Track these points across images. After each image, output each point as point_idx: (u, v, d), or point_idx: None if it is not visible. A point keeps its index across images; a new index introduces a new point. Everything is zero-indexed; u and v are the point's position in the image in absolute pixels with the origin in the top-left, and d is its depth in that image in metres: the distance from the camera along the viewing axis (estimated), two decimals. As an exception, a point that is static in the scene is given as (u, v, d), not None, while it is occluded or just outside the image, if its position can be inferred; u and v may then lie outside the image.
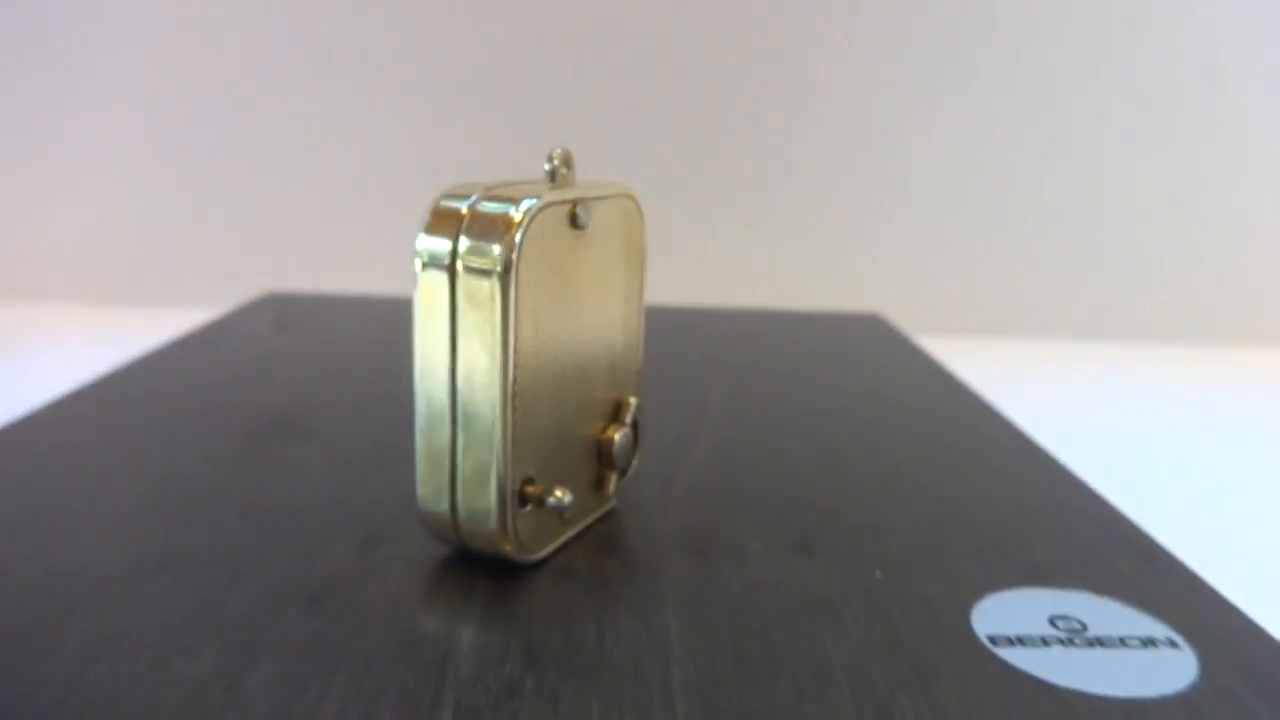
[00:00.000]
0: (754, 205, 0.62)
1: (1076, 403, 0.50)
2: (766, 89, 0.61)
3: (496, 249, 0.15)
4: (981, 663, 0.15)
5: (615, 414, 0.19)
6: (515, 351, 0.16)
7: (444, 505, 0.17)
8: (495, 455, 0.16)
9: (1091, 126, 0.62)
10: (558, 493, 0.16)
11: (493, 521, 0.16)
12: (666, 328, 0.36)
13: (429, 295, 0.16)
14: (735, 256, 0.62)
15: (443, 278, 0.16)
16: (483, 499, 0.16)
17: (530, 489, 0.16)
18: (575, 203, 0.17)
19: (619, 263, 0.18)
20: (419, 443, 0.17)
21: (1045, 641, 0.15)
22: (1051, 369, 0.56)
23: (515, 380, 0.16)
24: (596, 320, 0.18)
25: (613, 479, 0.19)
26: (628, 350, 0.19)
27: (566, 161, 0.17)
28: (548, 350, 0.17)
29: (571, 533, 0.18)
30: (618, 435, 0.19)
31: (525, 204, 0.15)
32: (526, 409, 0.16)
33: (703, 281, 0.62)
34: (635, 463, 0.20)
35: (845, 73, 0.61)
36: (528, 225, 0.15)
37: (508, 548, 0.17)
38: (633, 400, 0.19)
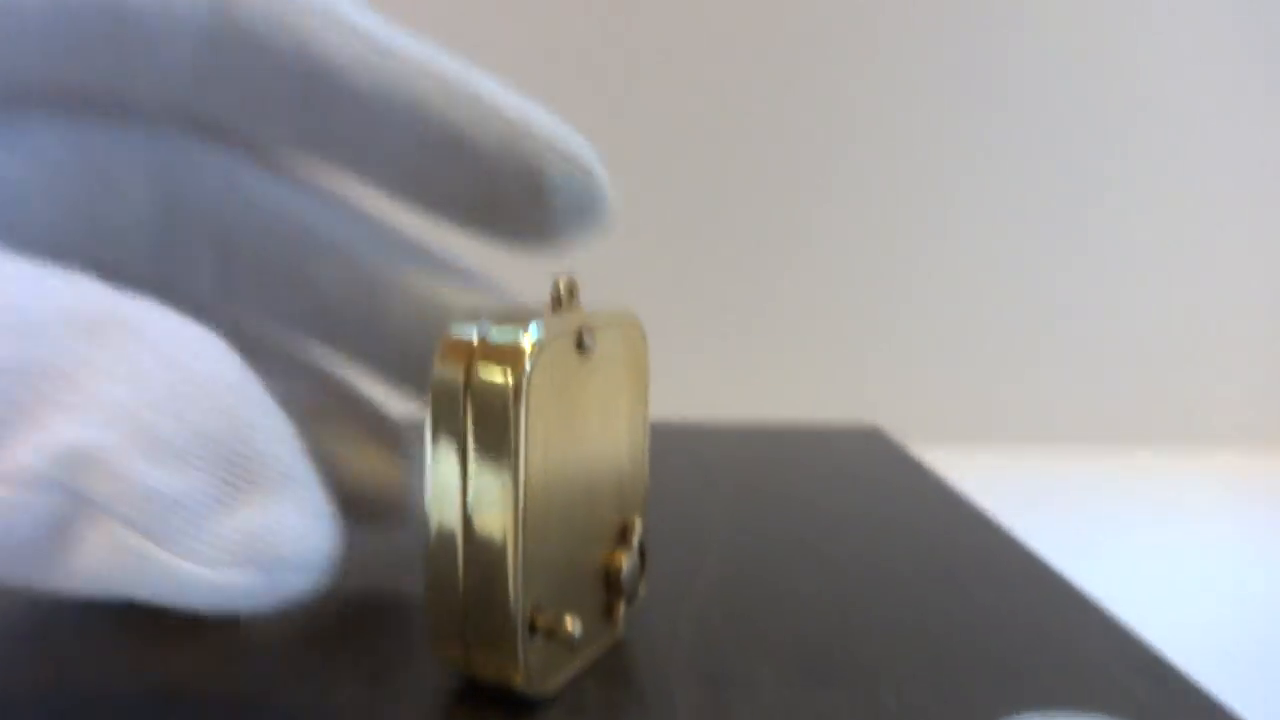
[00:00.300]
0: (744, 315, 0.63)
1: (1081, 513, 0.50)
2: (756, 197, 0.62)
3: (509, 374, 0.16)
4: (1002, 795, 0.14)
5: (622, 536, 0.19)
6: (526, 476, 0.16)
7: (453, 634, 0.16)
8: (507, 581, 0.16)
9: (1097, 231, 0.63)
10: (567, 622, 0.16)
11: (503, 651, 0.16)
12: (663, 444, 0.36)
13: (441, 420, 0.16)
14: (725, 368, 0.63)
15: (455, 405, 0.16)
16: (492, 627, 0.16)
17: (540, 618, 0.16)
18: (581, 329, 0.17)
19: (623, 385, 0.19)
20: (428, 570, 0.16)
21: (1064, 770, 0.15)
22: (1052, 478, 0.57)
23: (526, 505, 0.16)
24: (603, 443, 0.18)
25: (621, 607, 0.19)
26: (634, 470, 0.19)
27: (571, 290, 0.17)
28: (556, 473, 0.16)
29: (581, 664, 0.18)
30: (625, 561, 0.18)
31: (534, 331, 0.16)
32: (537, 534, 0.16)
33: (694, 393, 0.62)
34: (642, 590, 0.19)
35: (836, 182, 0.62)
36: (538, 352, 0.16)
37: (518, 679, 0.16)
38: (638, 522, 0.19)
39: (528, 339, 0.16)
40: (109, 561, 0.10)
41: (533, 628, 0.16)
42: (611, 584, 0.18)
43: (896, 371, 0.63)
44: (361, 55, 0.16)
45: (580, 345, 0.17)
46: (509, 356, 0.16)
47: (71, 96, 0.16)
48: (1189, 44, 0.62)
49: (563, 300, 0.17)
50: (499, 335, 0.16)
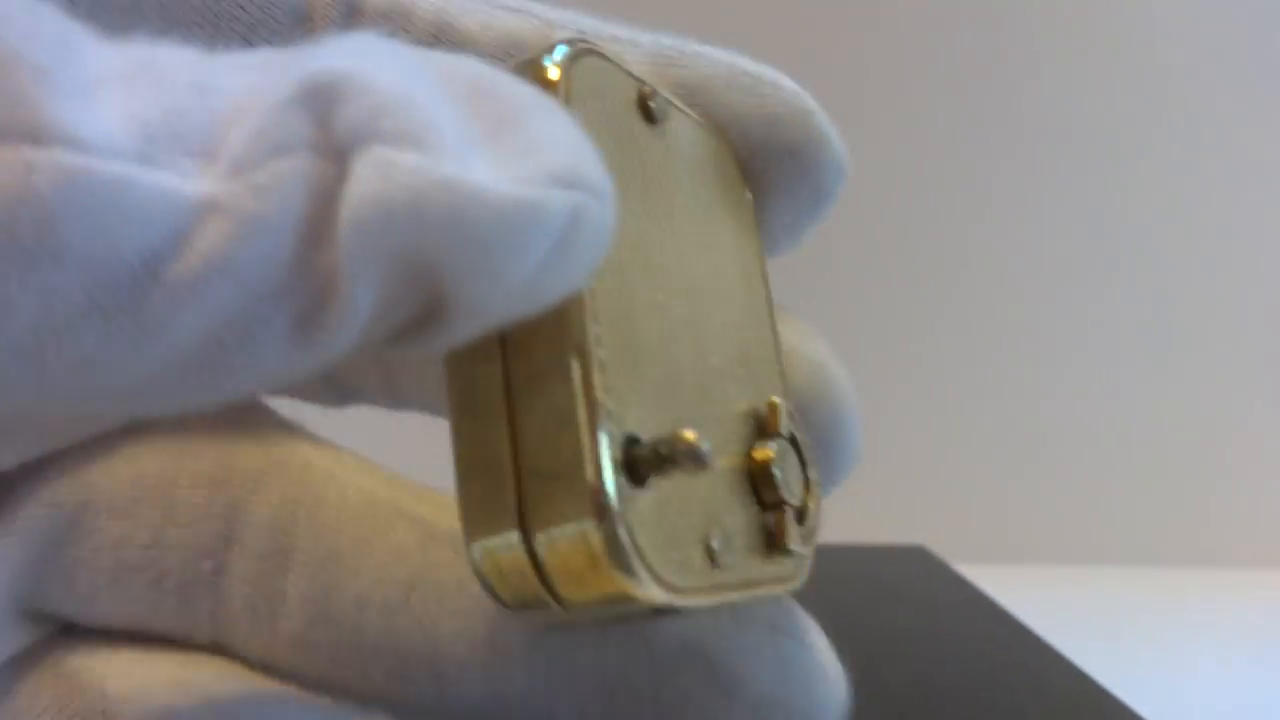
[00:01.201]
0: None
1: (1131, 632, 0.50)
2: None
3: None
4: None
5: (760, 427, 0.12)
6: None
7: (508, 526, 0.10)
8: (575, 385, 0.10)
9: (1147, 352, 0.63)
10: (687, 434, 0.10)
11: (588, 515, 0.09)
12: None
13: None
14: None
15: None
16: (565, 474, 0.10)
17: (639, 452, 0.10)
18: (643, 83, 0.12)
19: (722, 207, 0.13)
20: (456, 439, 0.11)
21: None
22: (1101, 597, 0.56)
23: (594, 273, 0.09)
24: (707, 282, 0.12)
25: (789, 526, 0.12)
26: (758, 338, 0.13)
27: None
28: (641, 267, 0.11)
29: (735, 596, 0.11)
30: (774, 454, 0.12)
31: (559, 53, 0.11)
32: (618, 323, 0.10)
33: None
34: (814, 510, 0.13)
35: (872, 305, 0.63)
36: (574, 78, 0.11)
37: (623, 579, 0.10)
38: (781, 405, 0.13)
39: (554, 61, 0.11)
40: (383, 196, 0.08)
41: (635, 468, 0.10)
42: (764, 487, 0.12)
43: (941, 492, 0.64)
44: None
45: (645, 111, 0.12)
46: (530, 71, 0.11)
47: None
48: None
49: None
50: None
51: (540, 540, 0.10)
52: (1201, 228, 0.63)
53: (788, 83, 0.13)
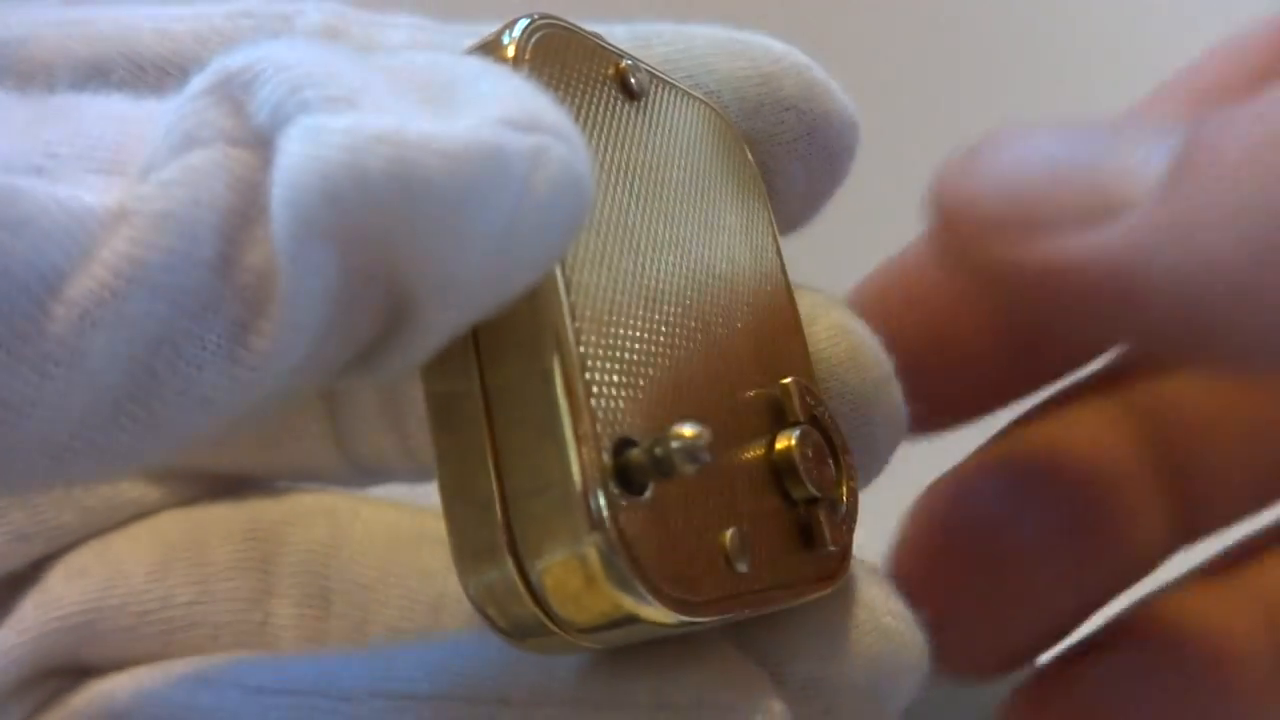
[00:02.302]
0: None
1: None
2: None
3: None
4: None
5: (778, 414, 0.11)
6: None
7: (499, 555, 0.09)
8: (555, 389, 0.09)
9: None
10: (683, 431, 0.09)
11: (579, 532, 0.08)
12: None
13: None
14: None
15: None
16: (551, 490, 0.09)
17: (634, 457, 0.09)
18: (620, 57, 0.11)
19: (724, 182, 0.12)
20: (438, 465, 0.10)
21: None
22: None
23: (572, 265, 0.09)
24: (714, 262, 0.11)
25: (822, 517, 0.11)
26: (775, 319, 0.12)
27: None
28: (628, 253, 0.10)
29: (765, 604, 0.10)
30: (795, 441, 0.11)
31: (519, 29, 0.10)
32: (603, 316, 0.09)
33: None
34: (849, 493, 0.11)
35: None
36: (530, 42, 0.10)
37: (625, 599, 0.08)
38: (793, 385, 0.11)
39: (512, 37, 0.10)
40: (315, 163, 0.07)
41: (626, 474, 0.09)
42: (788, 480, 0.11)
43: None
44: None
45: (624, 86, 0.11)
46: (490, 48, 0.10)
47: None
48: None
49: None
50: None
51: (534, 566, 0.09)
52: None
53: (778, 44, 0.12)
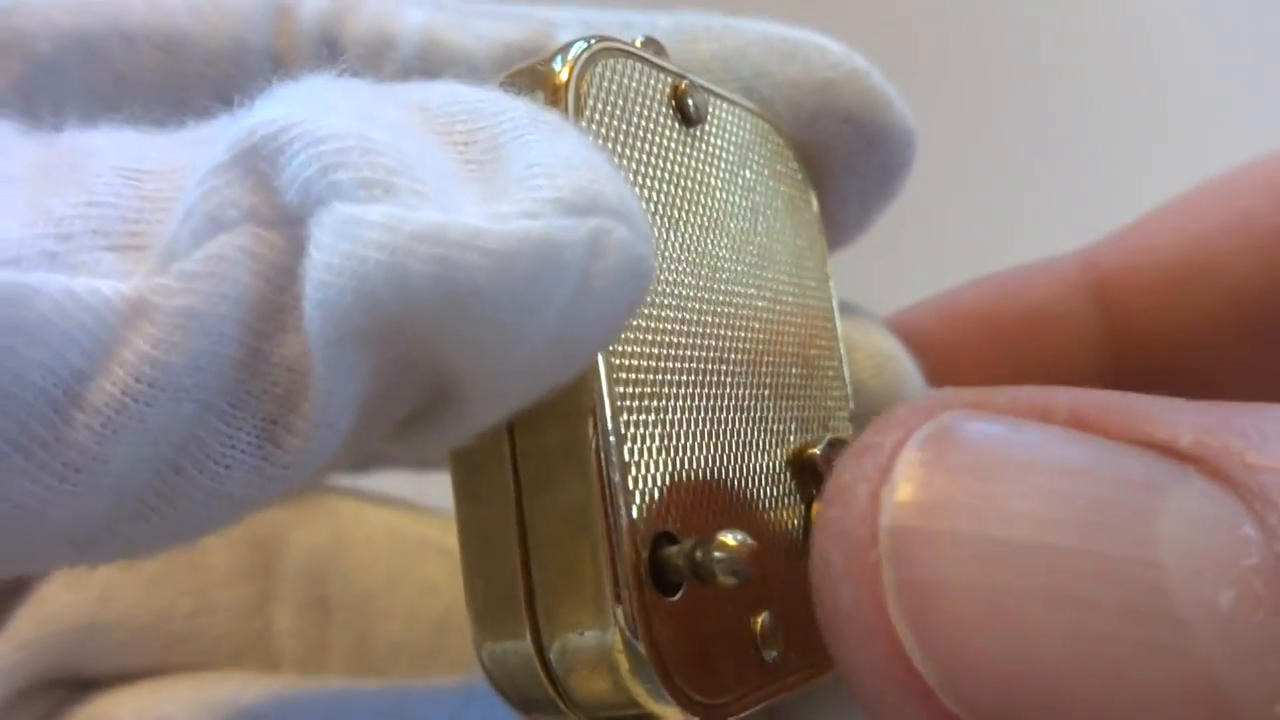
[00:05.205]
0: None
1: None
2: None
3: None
4: None
5: (819, 477, 0.10)
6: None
7: (518, 632, 0.09)
8: (591, 478, 0.08)
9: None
10: (727, 540, 0.08)
11: (608, 632, 0.08)
12: None
13: None
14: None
15: None
16: (581, 584, 0.08)
17: (672, 558, 0.08)
18: (680, 84, 0.10)
19: (773, 200, 0.11)
20: (460, 528, 0.09)
21: None
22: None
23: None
24: (762, 287, 0.11)
25: None
26: (819, 341, 0.11)
27: (656, 51, 0.11)
28: (679, 300, 0.09)
29: (801, 685, 0.10)
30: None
31: (578, 49, 0.09)
32: (649, 379, 0.09)
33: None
34: None
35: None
36: (584, 71, 0.09)
37: (648, 702, 0.08)
38: (817, 453, 0.10)
39: (565, 61, 0.09)
40: (351, 264, 0.06)
41: (662, 573, 0.08)
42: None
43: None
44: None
45: (682, 110, 0.10)
46: (540, 77, 0.09)
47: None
48: None
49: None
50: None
51: (554, 649, 0.08)
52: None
53: (834, 44, 0.11)
